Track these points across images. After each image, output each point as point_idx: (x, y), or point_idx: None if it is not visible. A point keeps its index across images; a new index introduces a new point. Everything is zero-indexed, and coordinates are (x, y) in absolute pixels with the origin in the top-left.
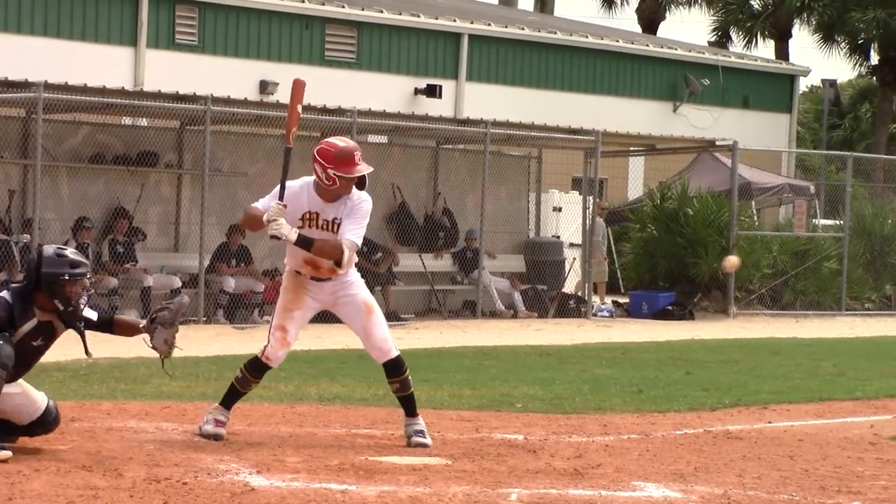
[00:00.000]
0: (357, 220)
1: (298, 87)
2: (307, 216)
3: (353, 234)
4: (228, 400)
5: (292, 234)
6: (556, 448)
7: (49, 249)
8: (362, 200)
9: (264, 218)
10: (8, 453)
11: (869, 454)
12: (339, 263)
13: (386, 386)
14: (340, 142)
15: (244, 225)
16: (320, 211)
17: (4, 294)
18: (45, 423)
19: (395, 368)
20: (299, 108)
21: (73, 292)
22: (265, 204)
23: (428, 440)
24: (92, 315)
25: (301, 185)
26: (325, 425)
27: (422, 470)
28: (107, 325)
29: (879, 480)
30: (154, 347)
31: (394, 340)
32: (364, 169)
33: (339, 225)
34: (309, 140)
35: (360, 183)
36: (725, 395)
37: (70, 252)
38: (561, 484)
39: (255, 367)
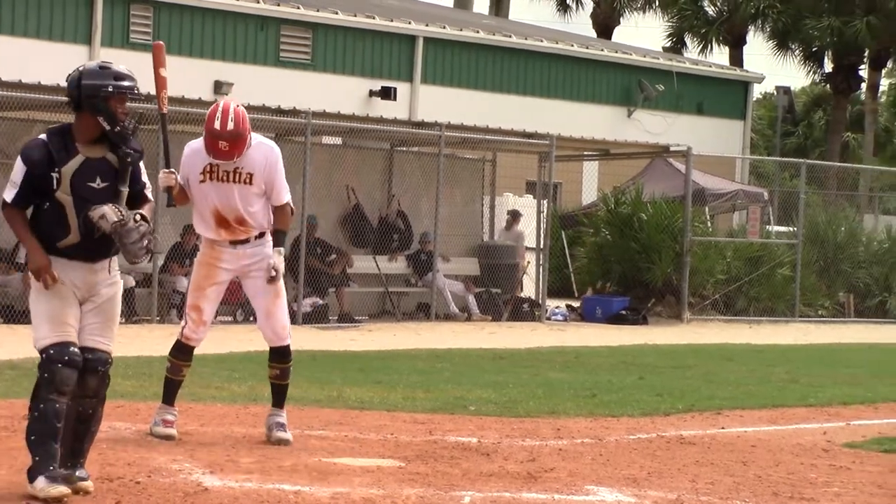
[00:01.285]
0: (279, 174)
1: (157, 50)
2: (207, 169)
3: (285, 192)
4: (168, 395)
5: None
6: (510, 451)
7: (92, 63)
8: (273, 149)
9: (160, 185)
10: (66, 490)
11: (822, 461)
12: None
13: (339, 388)
14: (216, 121)
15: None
16: (220, 162)
17: (41, 136)
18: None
19: (282, 355)
20: (162, 72)
21: (121, 109)
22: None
23: (289, 434)
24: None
25: (198, 143)
26: None
27: (375, 472)
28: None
29: (832, 487)
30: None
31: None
32: (225, 158)
33: (240, 174)
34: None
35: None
36: (679, 401)
37: (115, 65)
38: (514, 487)
39: (180, 350)
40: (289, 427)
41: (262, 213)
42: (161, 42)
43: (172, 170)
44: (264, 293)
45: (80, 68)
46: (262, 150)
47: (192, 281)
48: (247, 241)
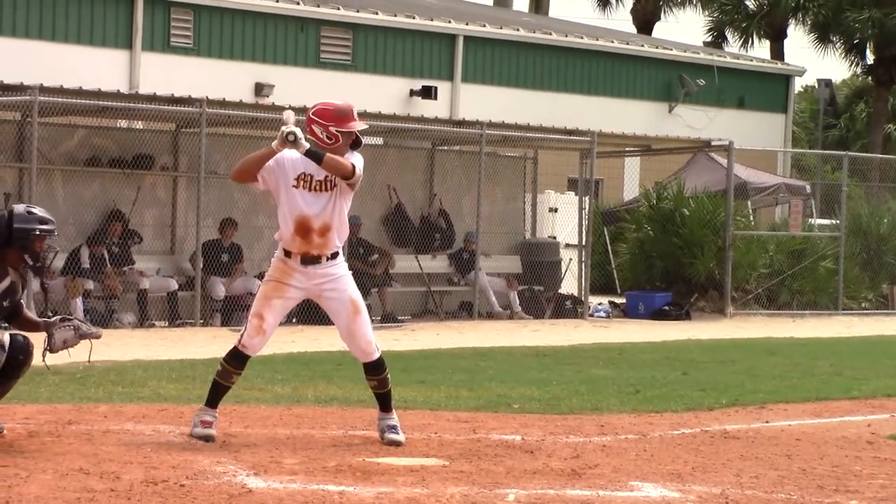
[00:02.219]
0: (356, 158)
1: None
2: (301, 177)
3: (355, 161)
4: (212, 398)
5: (304, 141)
6: (554, 448)
7: (19, 207)
8: (354, 153)
9: (284, 127)
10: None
11: (866, 453)
12: (348, 177)
13: None
14: (336, 100)
15: (238, 173)
16: (314, 172)
17: None
18: (19, 352)
19: (375, 368)
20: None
21: (42, 248)
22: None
23: (401, 436)
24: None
25: (296, 153)
26: (323, 427)
27: (419, 471)
28: (14, 315)
29: (877, 479)
30: (50, 340)
31: (378, 341)
32: (360, 125)
33: (331, 182)
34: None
35: (356, 142)
36: (722, 395)
37: (39, 210)
38: (558, 484)
39: (234, 357)
40: (337, 427)
41: (342, 224)
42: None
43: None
44: (343, 313)
45: (10, 209)
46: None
47: (261, 291)
48: (319, 259)
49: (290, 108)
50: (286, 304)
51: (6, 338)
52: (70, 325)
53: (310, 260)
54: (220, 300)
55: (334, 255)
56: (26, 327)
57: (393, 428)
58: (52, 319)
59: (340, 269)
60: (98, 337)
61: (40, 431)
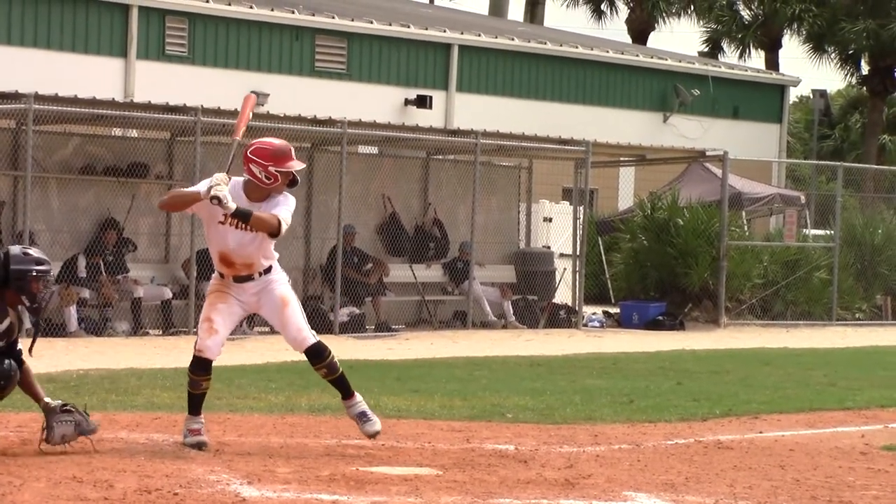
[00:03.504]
0: (286, 206)
1: (248, 103)
2: (227, 216)
3: (283, 213)
4: (193, 407)
5: (230, 203)
6: (547, 458)
7: (15, 248)
8: (287, 196)
9: (211, 181)
10: None
11: (860, 464)
12: (274, 235)
13: (376, 397)
14: (275, 140)
15: (166, 205)
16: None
17: None
18: (5, 376)
19: (316, 355)
20: (248, 114)
21: (39, 289)
22: (199, 186)
23: (375, 420)
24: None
25: (233, 184)
26: (316, 436)
27: (413, 480)
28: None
29: (870, 490)
30: (49, 432)
31: (310, 329)
32: (298, 165)
33: None
34: (299, 151)
35: (293, 182)
36: (716, 406)
37: (34, 251)
38: (552, 494)
39: (196, 365)
40: (330, 436)
41: (266, 254)
42: (254, 96)
43: (230, 176)
44: (274, 310)
45: (7, 251)
46: (281, 197)
47: (206, 303)
48: (251, 277)
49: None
50: (231, 309)
51: None
52: (71, 421)
53: (241, 279)
54: None
55: (267, 270)
56: (25, 389)
57: (363, 415)
58: (53, 405)
59: (274, 273)
60: (94, 432)
61: (33, 439)
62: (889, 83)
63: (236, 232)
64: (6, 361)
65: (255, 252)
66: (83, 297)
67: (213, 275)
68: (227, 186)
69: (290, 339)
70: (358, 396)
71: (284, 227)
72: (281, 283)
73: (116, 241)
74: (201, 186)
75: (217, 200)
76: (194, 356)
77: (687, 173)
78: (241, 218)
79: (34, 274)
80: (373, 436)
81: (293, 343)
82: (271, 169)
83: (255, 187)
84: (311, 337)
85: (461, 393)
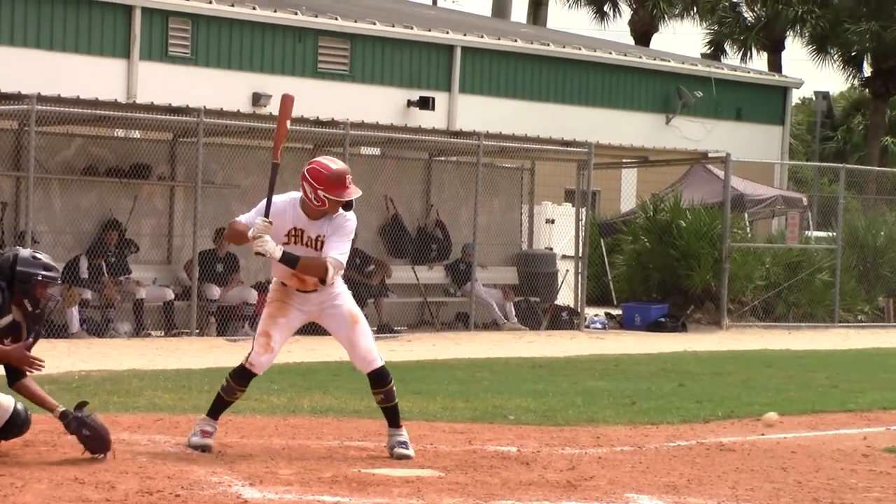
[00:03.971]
0: (342, 238)
1: (287, 102)
2: (292, 232)
3: (337, 252)
4: (215, 410)
5: (277, 252)
6: (549, 460)
7: (25, 251)
8: (347, 219)
9: (249, 234)
10: None
11: (862, 466)
12: (323, 281)
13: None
14: (333, 164)
15: (228, 239)
16: (305, 228)
17: None
18: (15, 426)
19: (379, 379)
20: (288, 124)
21: (43, 295)
22: (250, 219)
23: (411, 451)
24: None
25: (287, 202)
26: (318, 437)
27: (415, 482)
28: (15, 377)
29: (872, 492)
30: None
31: (379, 351)
32: (354, 193)
33: (322, 242)
34: (301, 152)
35: (348, 205)
36: (718, 407)
37: (44, 257)
38: (554, 496)
39: (240, 375)
40: (333, 438)
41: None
42: (292, 96)
43: (271, 220)
44: (342, 326)
45: (16, 252)
46: (340, 220)
47: (265, 312)
48: (315, 290)
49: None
50: (291, 323)
51: (10, 404)
52: (87, 431)
53: (307, 291)
54: (214, 301)
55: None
56: (30, 397)
57: (403, 444)
58: (68, 416)
59: (337, 287)
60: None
61: (35, 441)
62: (892, 85)
63: (300, 249)
64: (23, 412)
65: None
66: (85, 298)
67: (274, 281)
68: (268, 235)
69: (359, 358)
70: (404, 428)
71: (332, 271)
72: (348, 297)
73: (118, 242)
74: (250, 218)
75: (262, 252)
76: (242, 366)
77: (689, 175)
78: (289, 264)
79: (40, 279)
80: (404, 458)
81: (361, 363)
82: (320, 193)
83: (310, 205)
84: (379, 359)
85: (463, 394)
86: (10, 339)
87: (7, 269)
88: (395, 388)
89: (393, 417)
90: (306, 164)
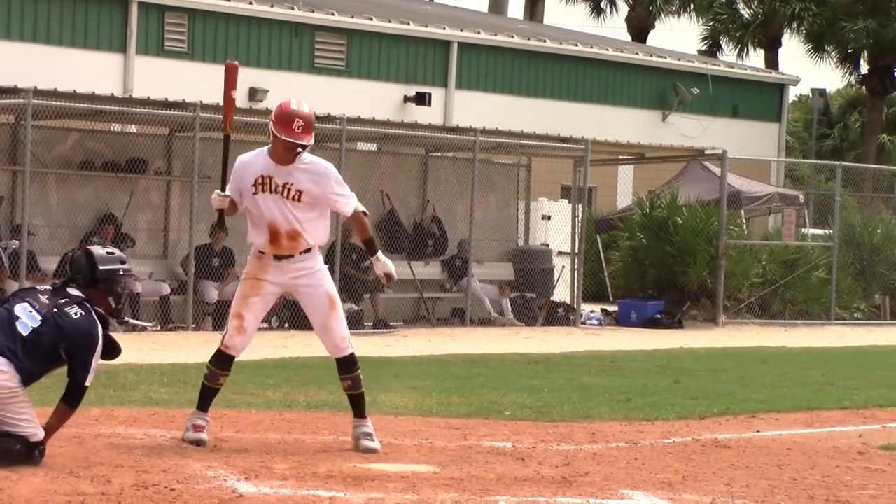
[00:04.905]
0: (339, 185)
1: (230, 71)
2: (259, 180)
3: (346, 200)
4: (203, 402)
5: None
6: (545, 456)
7: (98, 250)
8: (326, 167)
9: (213, 206)
10: None
11: (857, 463)
12: (365, 229)
13: (374, 394)
14: (295, 104)
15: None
16: (273, 174)
17: (85, 314)
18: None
19: (348, 365)
20: (233, 94)
21: (124, 289)
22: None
23: (376, 444)
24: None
25: (255, 153)
26: (314, 432)
27: (410, 477)
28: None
29: (868, 490)
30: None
31: (351, 339)
32: (298, 138)
33: (290, 191)
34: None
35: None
36: (714, 404)
37: (114, 250)
38: (549, 492)
39: (218, 359)
40: (328, 432)
41: (314, 229)
42: (235, 63)
43: (227, 193)
44: (319, 307)
45: (88, 252)
46: (313, 168)
47: (238, 291)
48: (291, 255)
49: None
50: (265, 300)
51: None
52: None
53: (283, 257)
54: (212, 304)
55: (308, 250)
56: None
57: (368, 435)
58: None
59: (316, 262)
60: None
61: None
62: (888, 82)
63: (270, 197)
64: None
65: (296, 221)
66: None
67: (250, 256)
68: (224, 205)
69: (332, 344)
70: (369, 419)
71: (363, 214)
72: (326, 277)
73: (114, 237)
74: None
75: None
76: (219, 350)
77: (686, 172)
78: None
79: (121, 273)
80: (369, 452)
81: (333, 349)
82: (270, 125)
83: (274, 150)
84: (350, 346)
85: (459, 390)
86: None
87: (87, 271)
88: (362, 377)
89: (358, 407)
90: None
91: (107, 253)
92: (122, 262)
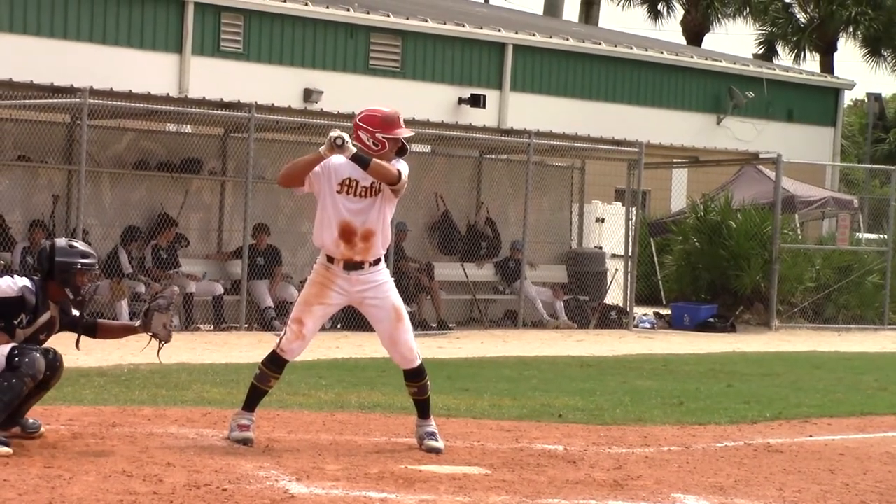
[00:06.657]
0: (402, 166)
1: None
2: (346, 182)
3: (402, 167)
4: (250, 402)
5: (351, 146)
6: (596, 459)
7: (61, 241)
8: (400, 160)
9: (332, 132)
10: (8, 450)
11: None
12: (394, 184)
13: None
14: (384, 107)
15: (285, 177)
16: (360, 178)
17: (26, 282)
18: (52, 367)
19: (416, 375)
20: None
21: (83, 282)
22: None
23: (441, 443)
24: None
25: (342, 159)
26: (366, 433)
27: (461, 479)
28: (90, 328)
29: None
30: (154, 334)
31: (419, 349)
32: (406, 132)
33: (377, 191)
34: None
35: (402, 149)
36: (766, 409)
37: (80, 244)
38: (600, 495)
39: (273, 362)
40: (380, 434)
41: (384, 229)
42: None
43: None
44: (385, 320)
45: (52, 243)
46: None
47: (302, 296)
48: (361, 265)
49: (339, 113)
50: (327, 310)
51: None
52: (157, 308)
53: (352, 266)
54: (269, 307)
55: (377, 262)
56: (114, 334)
57: (432, 435)
58: (142, 316)
59: (383, 275)
60: (178, 292)
61: (84, 433)
62: None
63: (355, 200)
64: (52, 352)
65: (376, 221)
66: (138, 292)
67: (318, 264)
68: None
69: (400, 356)
70: (433, 419)
71: (404, 179)
72: (393, 290)
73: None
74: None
75: (341, 140)
76: (274, 352)
77: (740, 175)
78: (361, 162)
79: (79, 267)
80: (433, 451)
81: (401, 360)
82: (378, 135)
83: (389, 155)
84: (418, 358)
85: (511, 392)
86: (44, 335)
87: (45, 261)
88: (429, 383)
89: (424, 409)
90: (357, 115)
91: (69, 246)
92: (85, 257)
